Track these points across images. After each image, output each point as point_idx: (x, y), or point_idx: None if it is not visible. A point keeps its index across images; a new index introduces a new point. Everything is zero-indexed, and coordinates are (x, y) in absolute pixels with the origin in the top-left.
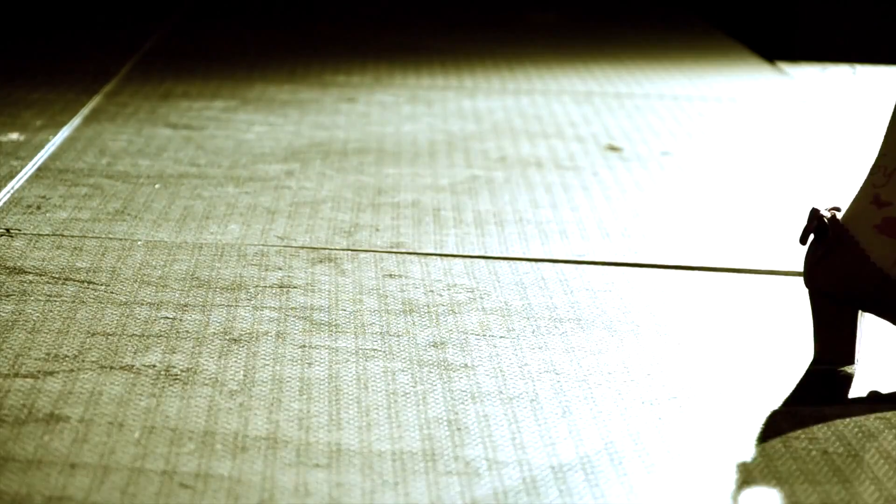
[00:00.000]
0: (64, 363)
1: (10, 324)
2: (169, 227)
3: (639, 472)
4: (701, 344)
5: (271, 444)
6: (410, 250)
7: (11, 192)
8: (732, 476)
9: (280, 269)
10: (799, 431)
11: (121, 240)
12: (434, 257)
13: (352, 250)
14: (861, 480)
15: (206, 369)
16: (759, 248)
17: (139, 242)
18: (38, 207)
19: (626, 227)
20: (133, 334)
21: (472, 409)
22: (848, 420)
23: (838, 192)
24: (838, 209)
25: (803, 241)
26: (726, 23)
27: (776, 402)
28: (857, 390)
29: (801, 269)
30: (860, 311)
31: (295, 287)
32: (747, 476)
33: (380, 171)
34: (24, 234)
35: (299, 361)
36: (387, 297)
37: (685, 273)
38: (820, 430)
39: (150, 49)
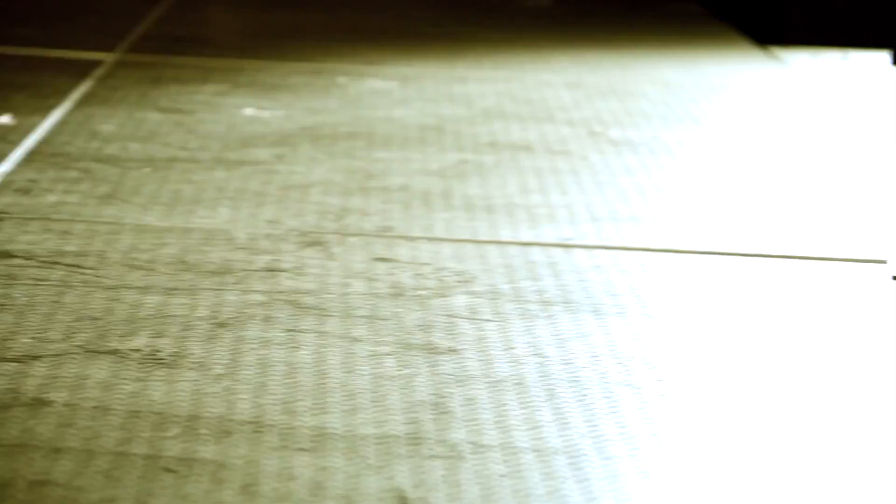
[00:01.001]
0: (50, 347)
1: None
2: (158, 210)
3: (622, 454)
4: (686, 327)
5: (256, 428)
6: (399, 234)
7: (2, 175)
8: (716, 458)
9: (268, 252)
10: (778, 411)
11: (109, 223)
12: (422, 241)
13: (341, 234)
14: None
15: (193, 353)
16: (747, 232)
17: (127, 226)
18: (28, 191)
19: (615, 211)
20: (120, 318)
21: (457, 393)
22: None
23: (828, 176)
24: None
25: None
26: (718, 7)
27: (760, 384)
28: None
29: (790, 253)
30: None
31: (283, 271)
32: (730, 457)
33: (370, 156)
34: (13, 217)
35: (286, 345)
36: (375, 280)
37: (672, 256)
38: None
39: (141, 34)
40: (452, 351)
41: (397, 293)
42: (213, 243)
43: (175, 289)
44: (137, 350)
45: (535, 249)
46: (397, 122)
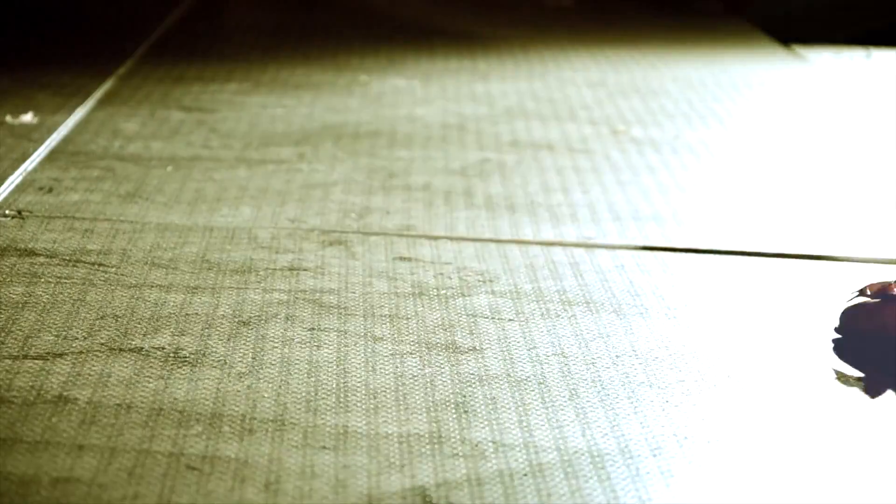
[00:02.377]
0: (73, 345)
1: (20, 305)
2: (180, 209)
3: (645, 454)
4: (709, 327)
5: (278, 427)
6: (421, 233)
7: (24, 174)
8: (737, 458)
9: (291, 251)
10: (803, 412)
11: (132, 222)
12: (444, 240)
13: (363, 233)
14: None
15: (215, 351)
16: (770, 232)
17: (150, 225)
18: (51, 190)
19: (637, 210)
20: (143, 316)
21: (479, 392)
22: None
23: (853, 175)
24: None
25: None
26: (741, 6)
27: (783, 385)
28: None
29: (814, 253)
30: None
31: (305, 270)
32: (752, 458)
33: (392, 154)
34: (36, 216)
35: (308, 344)
36: (396, 279)
37: (694, 256)
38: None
39: (163, 32)
40: (474, 350)
41: (419, 292)
42: (236, 242)
43: (197, 287)
44: (160, 348)
45: (558, 249)
46: (419, 121)
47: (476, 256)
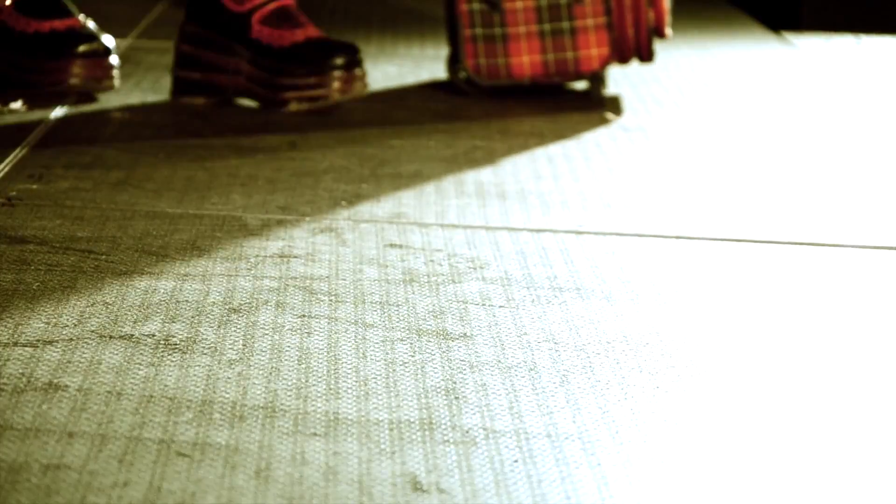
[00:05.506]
0: (63, 332)
1: (9, 293)
2: (170, 197)
3: (636, 441)
4: (700, 314)
5: (269, 413)
6: (412, 220)
7: (14, 161)
8: (728, 444)
9: (281, 239)
10: (795, 400)
11: (122, 209)
12: (435, 227)
13: (353, 220)
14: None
15: (206, 339)
16: (759, 218)
17: (140, 212)
18: (40, 177)
19: (628, 198)
20: (133, 304)
21: (470, 379)
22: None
23: (843, 161)
24: None
25: None
26: None
27: (776, 372)
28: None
29: (804, 240)
30: None
31: (296, 257)
32: (743, 444)
33: (382, 142)
34: (26, 203)
35: (298, 331)
36: (387, 266)
37: (685, 242)
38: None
39: (153, 20)
40: (465, 337)
41: (410, 279)
42: (226, 229)
43: (188, 274)
44: (151, 335)
45: (548, 235)
46: (410, 109)
47: (466, 243)
